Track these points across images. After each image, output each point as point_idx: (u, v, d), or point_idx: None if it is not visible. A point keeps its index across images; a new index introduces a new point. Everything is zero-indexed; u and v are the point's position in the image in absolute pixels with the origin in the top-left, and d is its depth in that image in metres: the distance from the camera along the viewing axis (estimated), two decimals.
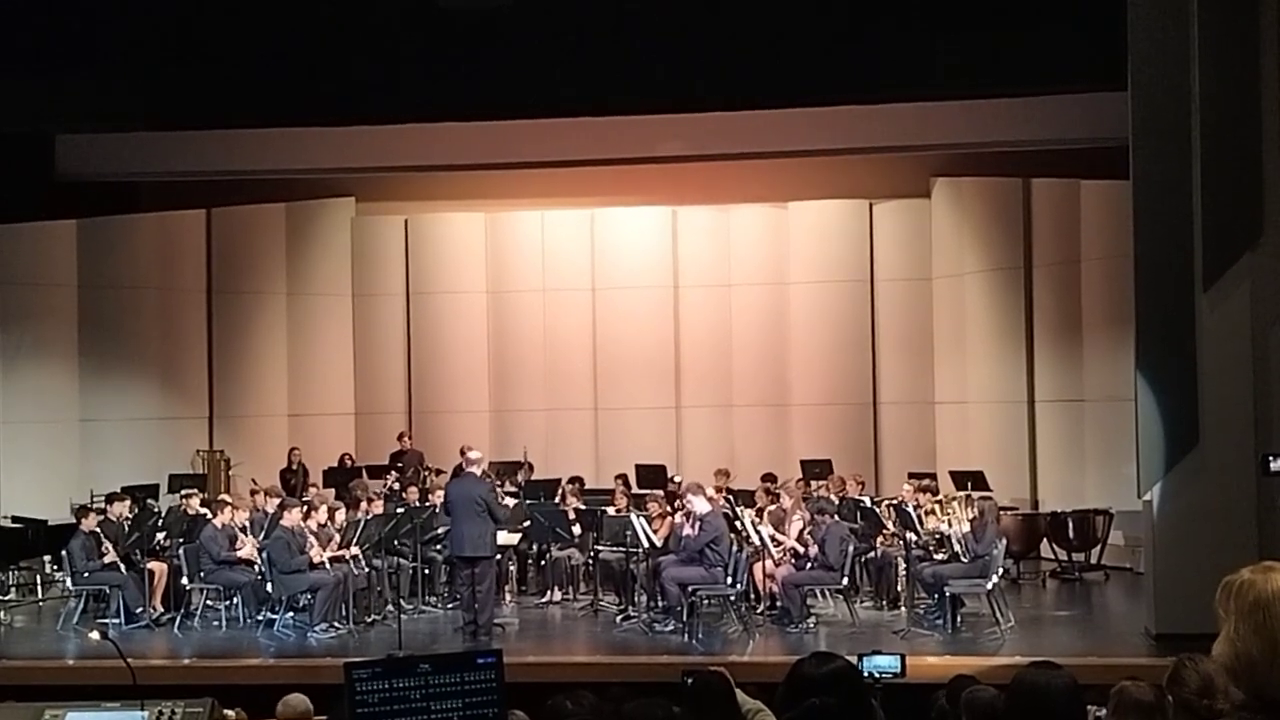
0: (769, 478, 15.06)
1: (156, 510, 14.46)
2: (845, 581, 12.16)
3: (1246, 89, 10.65)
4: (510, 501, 14.24)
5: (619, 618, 12.53)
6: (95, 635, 9.75)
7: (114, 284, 16.84)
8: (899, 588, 12.80)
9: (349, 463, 17.33)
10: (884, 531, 13.21)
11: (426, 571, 13.50)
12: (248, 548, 12.63)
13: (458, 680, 3.88)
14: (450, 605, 13.17)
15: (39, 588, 14.42)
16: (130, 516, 13.36)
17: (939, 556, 12.58)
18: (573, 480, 15.06)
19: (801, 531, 12.51)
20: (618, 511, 13.43)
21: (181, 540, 12.98)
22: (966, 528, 12.27)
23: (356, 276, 18.80)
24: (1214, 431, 10.71)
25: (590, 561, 13.44)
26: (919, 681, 7.19)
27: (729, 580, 11.80)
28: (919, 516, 12.88)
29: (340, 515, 13.18)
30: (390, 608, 12.62)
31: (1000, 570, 11.90)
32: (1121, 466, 12.87)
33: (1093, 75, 12.28)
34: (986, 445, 16.58)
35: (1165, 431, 10.79)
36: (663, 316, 18.27)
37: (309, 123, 14.98)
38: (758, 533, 12.23)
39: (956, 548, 12.11)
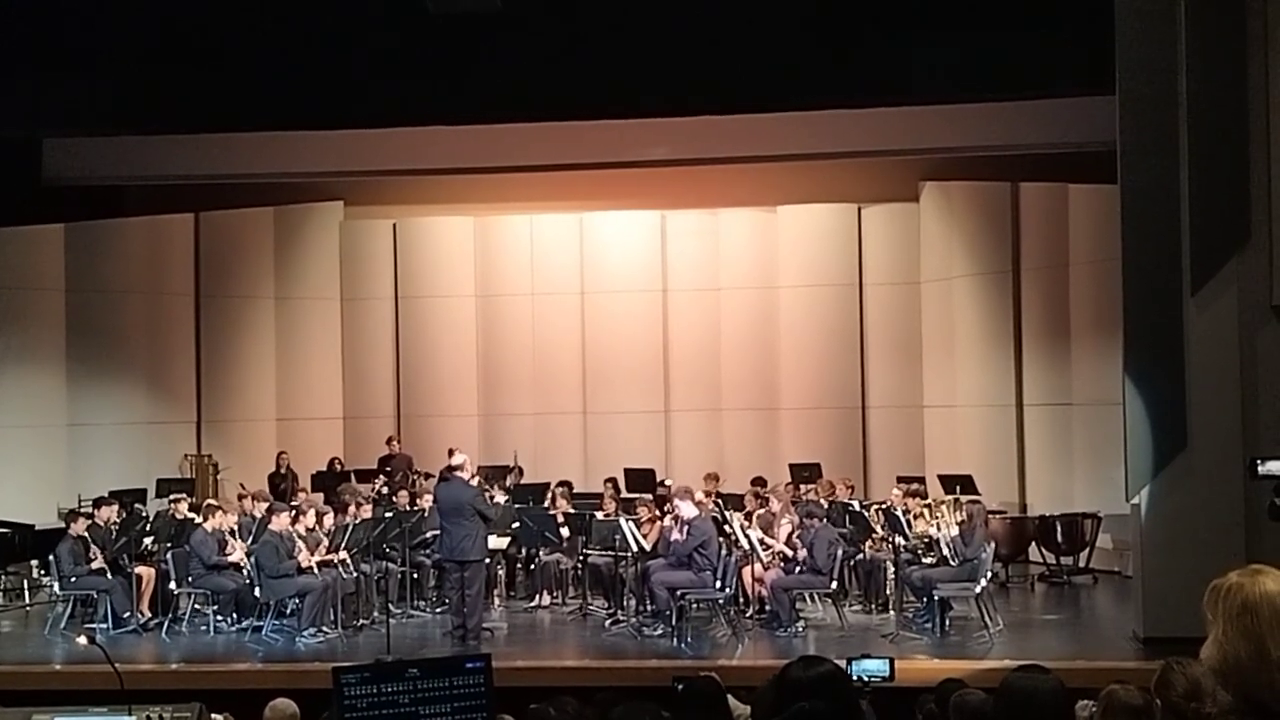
0: (758, 481, 15.05)
1: (144, 515, 14.43)
2: (834, 585, 12.17)
3: (1234, 93, 10.67)
4: (500, 498, 14.26)
5: (608, 622, 12.52)
6: (83, 640, 9.72)
7: (102, 288, 16.81)
8: (888, 591, 12.79)
9: (337, 467, 17.31)
10: (873, 535, 13.23)
11: (415, 576, 13.49)
12: (237, 552, 12.60)
13: (446, 685, 3.89)
14: (439, 610, 13.14)
15: (26, 592, 14.38)
16: (118, 521, 13.32)
17: (928, 560, 12.59)
18: (561, 484, 15.04)
19: (790, 535, 12.51)
20: (606, 515, 13.42)
21: (169, 545, 12.96)
22: (955, 531, 12.28)
23: (345, 281, 18.78)
24: (1202, 435, 10.72)
25: (579, 565, 13.43)
26: (908, 685, 7.19)
27: (718, 584, 11.79)
28: (908, 520, 12.88)
29: (328, 520, 13.15)
30: (378, 612, 12.60)
31: (989, 574, 11.90)
32: (1110, 470, 12.89)
33: (1080, 80, 12.33)
34: (975, 449, 16.60)
35: (1153, 435, 10.81)
36: (651, 320, 18.27)
37: (297, 127, 14.99)
38: (746, 536, 12.23)
39: (945, 551, 12.12)
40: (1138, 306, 10.94)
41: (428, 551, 13.32)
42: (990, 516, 13.61)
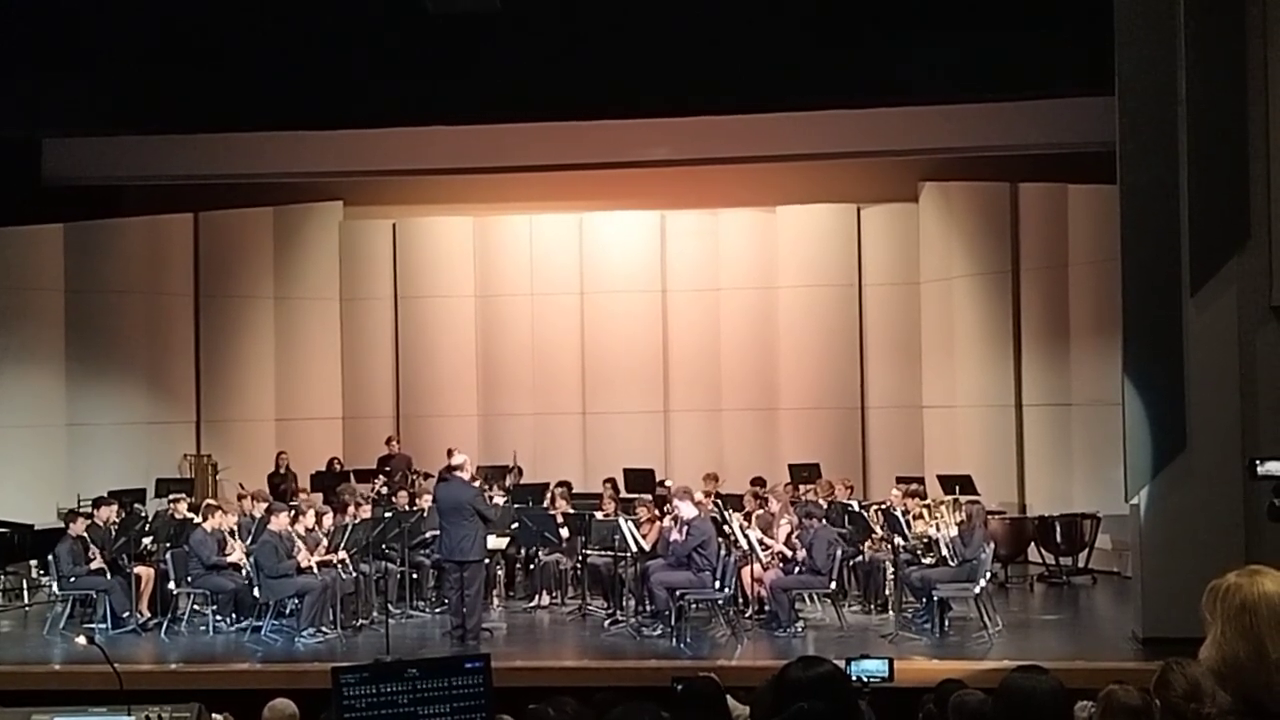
0: (758, 482, 15.05)
1: (143, 515, 14.43)
2: (833, 585, 12.18)
3: (1233, 93, 10.67)
4: (500, 498, 14.26)
5: (607, 622, 12.51)
6: (82, 640, 9.74)
7: (101, 288, 16.81)
8: (887, 592, 12.79)
9: (337, 467, 17.31)
10: (872, 535, 13.22)
11: (414, 576, 13.48)
12: (236, 552, 12.60)
13: (445, 685, 3.89)
14: (438, 610, 13.14)
15: (25, 592, 14.37)
16: (117, 521, 13.32)
17: (927, 560, 12.59)
18: (561, 484, 15.05)
19: (789, 535, 12.51)
20: (606, 516, 13.42)
21: (169, 545, 12.96)
22: (954, 532, 12.28)
23: (344, 281, 18.77)
24: (1201, 435, 10.72)
25: (578, 566, 13.43)
26: (907, 685, 7.20)
27: (717, 584, 11.79)
28: (907, 520, 12.89)
29: (328, 520, 13.15)
30: (378, 612, 12.60)
31: (988, 574, 11.91)
32: (1109, 470, 12.89)
33: (1080, 80, 12.31)
34: (974, 449, 16.60)
35: (1153, 435, 10.80)
36: (651, 321, 18.27)
37: (297, 127, 14.97)
38: (745, 537, 12.23)
39: (944, 552, 12.13)
40: (1137, 306, 10.94)
41: (427, 551, 13.32)
42: (989, 517, 13.60)
